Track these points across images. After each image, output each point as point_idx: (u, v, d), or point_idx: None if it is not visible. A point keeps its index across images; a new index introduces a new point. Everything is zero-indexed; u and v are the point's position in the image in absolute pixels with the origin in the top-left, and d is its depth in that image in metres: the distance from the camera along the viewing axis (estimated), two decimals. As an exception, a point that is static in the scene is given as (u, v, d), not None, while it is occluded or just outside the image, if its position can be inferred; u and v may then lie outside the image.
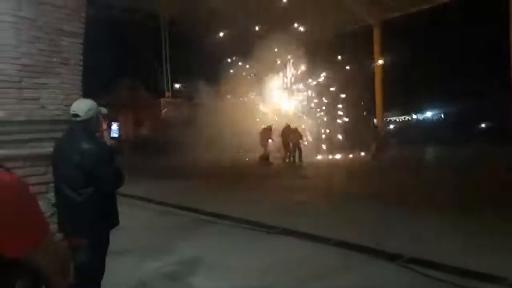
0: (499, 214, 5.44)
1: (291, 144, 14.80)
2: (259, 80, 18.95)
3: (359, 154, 16.17)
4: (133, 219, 5.34)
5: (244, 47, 18.57)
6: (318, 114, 19.02)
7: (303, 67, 18.79)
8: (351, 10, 18.92)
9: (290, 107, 18.93)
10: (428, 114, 33.86)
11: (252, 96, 19.02)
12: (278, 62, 18.92)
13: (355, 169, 12.53)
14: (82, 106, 2.44)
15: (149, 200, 7.54)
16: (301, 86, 19.06)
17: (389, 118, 26.70)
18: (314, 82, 18.98)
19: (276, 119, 17.31)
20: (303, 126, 17.03)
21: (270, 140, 15.14)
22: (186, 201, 7.17)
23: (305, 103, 19.20)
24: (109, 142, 2.67)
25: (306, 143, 16.91)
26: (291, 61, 18.93)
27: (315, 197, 7.70)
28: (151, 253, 4.38)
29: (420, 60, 23.54)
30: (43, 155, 3.14)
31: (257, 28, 18.79)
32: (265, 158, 14.84)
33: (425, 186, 8.17)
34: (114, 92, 25.19)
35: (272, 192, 8.49)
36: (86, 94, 3.58)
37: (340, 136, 18.16)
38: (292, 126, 15.37)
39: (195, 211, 6.47)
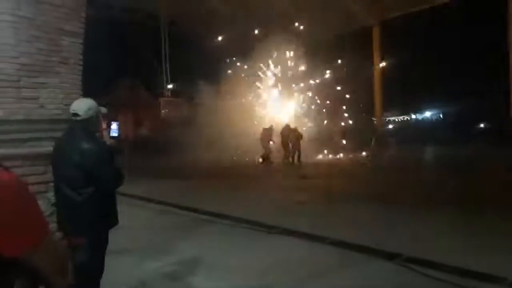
0: (499, 214, 5.45)
1: (290, 145, 14.80)
2: (258, 80, 18.94)
3: (359, 154, 16.17)
4: (132, 219, 5.33)
5: (244, 47, 18.57)
6: (317, 114, 19.01)
7: (302, 67, 18.79)
8: (351, 10, 18.94)
9: (289, 108, 18.93)
10: (427, 114, 33.88)
11: (250, 98, 18.98)
12: (278, 62, 18.90)
13: (354, 169, 12.53)
14: (82, 106, 2.43)
15: (149, 200, 7.54)
16: (301, 86, 19.05)
17: (388, 118, 26.70)
18: (314, 82, 18.97)
19: (276, 119, 17.30)
20: (304, 128, 17.03)
21: (270, 142, 15.17)
22: (186, 200, 7.17)
23: (304, 103, 19.20)
24: (108, 142, 2.66)
25: (305, 143, 16.92)
26: (291, 61, 18.91)
27: (315, 197, 7.70)
28: (151, 253, 4.37)
29: (419, 60, 23.55)
30: (42, 155, 3.13)
31: (257, 28, 18.79)
32: (265, 158, 14.84)
33: (425, 186, 8.17)
34: (114, 91, 25.18)
35: (272, 192, 8.49)
36: (85, 94, 3.57)
37: (340, 136, 18.17)
38: (292, 126, 15.38)
39: (195, 210, 6.47)
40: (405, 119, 33.28)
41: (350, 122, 19.67)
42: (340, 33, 20.00)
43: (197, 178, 10.65)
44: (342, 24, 19.65)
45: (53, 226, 2.40)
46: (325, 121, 19.03)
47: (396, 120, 31.87)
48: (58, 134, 2.70)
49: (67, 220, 2.41)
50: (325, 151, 16.57)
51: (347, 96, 19.22)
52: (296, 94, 19.20)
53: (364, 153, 15.73)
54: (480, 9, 20.57)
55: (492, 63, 19.81)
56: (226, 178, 10.81)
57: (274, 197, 7.86)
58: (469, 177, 9.02)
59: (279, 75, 18.91)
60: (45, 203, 2.68)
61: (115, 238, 2.63)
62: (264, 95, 18.99)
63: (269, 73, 18.87)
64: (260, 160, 14.87)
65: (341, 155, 16.37)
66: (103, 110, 2.55)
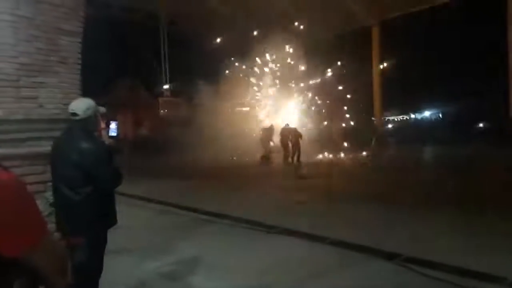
0: (498, 214, 5.44)
1: (290, 144, 14.80)
2: (257, 80, 18.94)
3: (359, 153, 16.17)
4: (132, 219, 5.33)
5: (243, 47, 18.56)
6: (317, 114, 19.02)
7: (302, 68, 18.79)
8: (351, 10, 18.93)
9: (289, 108, 18.93)
10: (427, 113, 33.91)
11: (250, 98, 18.98)
12: (278, 62, 18.91)
13: (354, 168, 12.53)
14: (81, 105, 2.43)
15: (149, 200, 7.53)
16: (301, 86, 19.05)
17: (387, 118, 26.72)
18: (314, 82, 18.97)
19: (276, 119, 17.31)
20: (303, 128, 17.03)
21: (271, 142, 15.17)
22: (185, 200, 7.16)
23: (304, 103, 19.20)
24: (107, 141, 2.65)
25: (306, 143, 16.92)
26: (291, 61, 18.91)
27: (315, 197, 7.70)
28: (150, 253, 4.37)
29: (418, 60, 23.57)
30: (41, 154, 3.12)
31: (256, 28, 18.78)
32: (265, 158, 14.84)
33: (424, 186, 8.17)
34: (113, 91, 25.18)
35: (272, 192, 8.48)
36: (84, 93, 3.57)
37: (340, 136, 18.18)
38: (291, 126, 15.37)
39: (195, 210, 6.47)
40: (404, 118, 33.30)
41: (350, 122, 19.69)
42: (339, 33, 20.01)
43: (196, 178, 10.64)
44: (341, 24, 19.66)
45: (51, 226, 2.39)
46: (325, 121, 19.04)
47: (396, 119, 31.88)
48: (57, 134, 2.69)
49: (66, 220, 2.41)
50: (325, 151, 16.57)
51: (347, 96, 19.23)
52: (296, 94, 19.20)
53: (364, 153, 15.72)
54: (480, 9, 20.59)
55: (492, 63, 19.83)
56: (226, 178, 10.81)
57: (274, 197, 7.86)
58: (469, 177, 9.02)
59: (279, 75, 18.92)
60: (44, 203, 2.67)
61: (114, 238, 2.62)
62: (264, 95, 18.99)
63: (268, 73, 18.87)
64: (260, 160, 14.86)
65: (341, 155, 16.37)
66: (102, 109, 2.55)
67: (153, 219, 6.32)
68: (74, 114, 2.40)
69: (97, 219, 2.38)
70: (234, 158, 15.32)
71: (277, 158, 15.08)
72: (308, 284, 3.55)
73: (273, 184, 9.70)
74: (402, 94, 25.23)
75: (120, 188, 2.52)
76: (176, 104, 23.66)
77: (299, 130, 15.41)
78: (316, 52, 17.96)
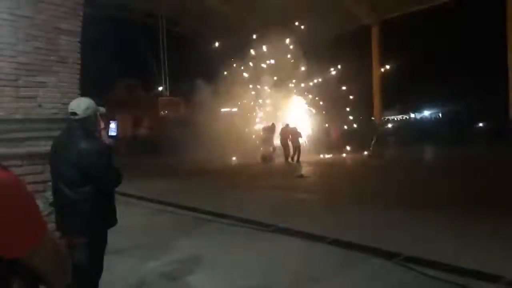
0: (498, 214, 5.45)
1: (290, 144, 14.79)
2: (257, 80, 18.92)
3: (359, 153, 16.18)
4: (131, 218, 5.33)
5: (243, 47, 18.54)
6: (317, 114, 19.01)
7: (302, 68, 18.77)
8: (351, 10, 18.94)
9: (289, 108, 18.91)
10: (426, 113, 33.94)
11: (249, 98, 18.95)
12: (277, 62, 18.88)
13: (354, 168, 12.55)
14: (80, 105, 2.43)
15: (148, 199, 7.53)
16: (301, 86, 19.04)
17: (387, 117, 26.73)
18: (314, 82, 18.96)
19: (275, 119, 17.29)
20: (303, 128, 17.02)
21: (271, 144, 15.17)
22: (184, 200, 7.16)
23: (304, 104, 19.20)
24: (107, 141, 2.65)
25: (305, 142, 16.92)
26: (290, 61, 18.90)
27: (315, 197, 7.70)
28: (150, 252, 4.37)
29: (418, 59, 23.58)
30: (40, 154, 3.12)
31: (256, 27, 18.77)
32: (266, 157, 14.83)
33: (424, 186, 8.19)
34: (112, 91, 25.18)
35: (272, 191, 8.48)
36: (84, 93, 3.56)
37: (340, 135, 18.19)
38: (291, 126, 15.36)
39: (194, 210, 6.47)
40: (404, 118, 33.33)
41: (350, 121, 19.69)
42: (339, 33, 20.01)
43: (196, 177, 10.64)
44: (341, 23, 19.66)
45: (51, 225, 2.39)
46: (325, 121, 19.03)
47: (395, 119, 31.91)
48: (56, 133, 2.69)
49: (65, 220, 2.40)
50: (326, 151, 16.58)
51: (347, 95, 19.22)
52: (295, 94, 19.19)
53: (365, 153, 15.73)
54: (479, 9, 20.60)
55: (491, 63, 19.86)
56: (226, 177, 10.81)
57: (274, 196, 7.85)
58: (468, 177, 9.03)
59: (278, 75, 18.89)
60: (43, 202, 2.67)
61: (114, 237, 2.62)
62: (263, 95, 18.97)
63: (268, 73, 18.84)
64: (261, 159, 14.85)
65: (342, 154, 16.38)
66: (102, 109, 2.54)
67: (152, 218, 6.32)
68: (74, 113, 2.40)
69: (97, 218, 2.38)
70: (234, 158, 15.33)
71: (277, 158, 15.08)
72: (307, 283, 3.55)
73: (273, 183, 9.70)
74: (401, 93, 25.26)
75: (119, 188, 2.52)
76: (175, 104, 23.66)
77: (299, 129, 15.41)
78: (316, 52, 17.95)
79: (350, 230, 4.90)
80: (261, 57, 18.51)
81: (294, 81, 18.90)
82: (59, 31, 3.55)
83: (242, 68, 18.54)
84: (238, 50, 18.39)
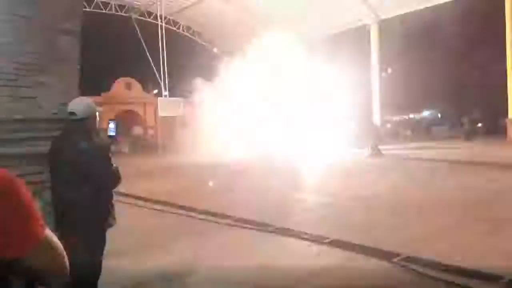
0: (498, 213, 5.45)
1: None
2: (256, 79, 18.91)
3: (360, 153, 16.18)
4: (130, 219, 5.32)
5: (242, 46, 18.54)
6: (318, 114, 19.00)
7: (302, 68, 18.77)
8: (350, 9, 18.93)
9: (289, 108, 18.90)
10: (426, 113, 33.98)
11: (249, 97, 18.95)
12: (277, 61, 18.87)
13: (354, 167, 12.54)
14: (80, 105, 2.43)
15: (146, 199, 7.52)
16: (301, 86, 19.03)
17: (387, 117, 26.74)
18: (313, 82, 18.95)
19: (275, 119, 17.30)
20: (303, 128, 17.01)
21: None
22: (183, 200, 7.16)
23: (304, 103, 19.18)
24: (106, 141, 2.65)
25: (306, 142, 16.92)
26: (290, 61, 18.89)
27: (315, 197, 7.70)
28: (148, 253, 4.36)
29: (418, 59, 23.60)
30: (39, 154, 3.11)
31: (255, 26, 18.77)
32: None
33: (424, 185, 8.18)
34: (111, 90, 25.17)
35: (272, 191, 8.47)
36: (83, 93, 3.56)
37: (339, 135, 18.19)
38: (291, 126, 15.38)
39: (193, 210, 6.46)
40: (403, 118, 33.35)
41: (351, 121, 19.67)
42: (339, 33, 20.01)
43: (195, 177, 10.63)
44: (341, 23, 19.66)
45: (50, 225, 2.39)
46: (325, 121, 19.02)
47: (395, 119, 31.94)
48: (56, 134, 2.68)
49: (65, 220, 2.40)
50: (326, 151, 16.58)
51: (346, 95, 19.21)
52: (295, 94, 19.17)
53: (366, 153, 15.73)
54: (479, 9, 20.62)
55: (491, 63, 19.87)
56: (225, 177, 10.79)
57: (274, 196, 7.85)
58: (468, 176, 9.03)
59: (278, 74, 18.88)
60: (42, 202, 2.66)
61: (113, 238, 2.61)
62: (263, 95, 18.95)
63: (267, 73, 18.84)
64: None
65: (342, 154, 16.38)
66: (101, 109, 2.54)
67: (150, 218, 6.31)
68: (73, 113, 2.40)
69: (96, 219, 2.38)
70: (234, 157, 15.32)
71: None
72: (307, 283, 3.55)
73: (273, 183, 9.68)
74: (401, 93, 25.26)
75: (117, 188, 2.52)
76: (174, 104, 23.64)
77: (299, 129, 15.41)
78: (315, 52, 17.95)
79: (350, 230, 4.90)
80: (261, 57, 18.50)
81: (293, 81, 18.88)
82: (59, 31, 3.54)
83: (244, 66, 18.54)
84: (238, 49, 18.40)
